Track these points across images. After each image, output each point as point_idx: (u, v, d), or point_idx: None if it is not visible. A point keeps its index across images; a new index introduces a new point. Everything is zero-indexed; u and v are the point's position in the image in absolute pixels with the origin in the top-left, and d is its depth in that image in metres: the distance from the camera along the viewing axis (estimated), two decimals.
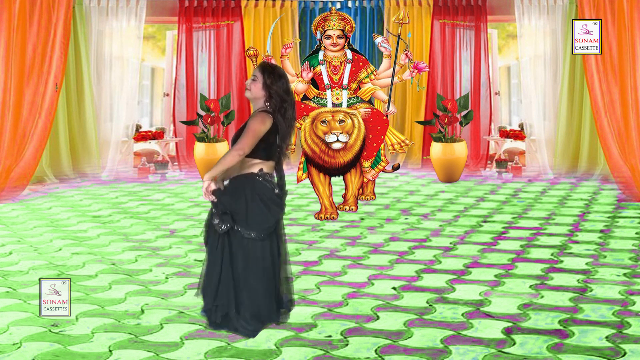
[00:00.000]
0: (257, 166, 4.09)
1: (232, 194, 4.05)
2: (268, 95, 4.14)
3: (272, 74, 4.17)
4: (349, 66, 8.00)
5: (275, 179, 4.20)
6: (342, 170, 7.69)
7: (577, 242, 6.47)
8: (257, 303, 4.07)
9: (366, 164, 7.86)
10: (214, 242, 4.09)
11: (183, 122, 10.75)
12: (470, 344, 4.05)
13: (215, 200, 3.98)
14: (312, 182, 7.78)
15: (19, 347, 4.02)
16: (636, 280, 5.23)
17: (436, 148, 10.11)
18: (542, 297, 4.88)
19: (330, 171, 7.65)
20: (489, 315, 4.52)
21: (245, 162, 4.07)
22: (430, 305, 4.72)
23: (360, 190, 8.25)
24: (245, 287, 4.05)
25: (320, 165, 7.59)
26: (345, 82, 7.93)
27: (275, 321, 4.22)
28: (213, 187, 3.96)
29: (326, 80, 7.95)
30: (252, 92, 4.16)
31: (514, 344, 4.04)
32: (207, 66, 11.36)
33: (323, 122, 7.44)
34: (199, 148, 10.21)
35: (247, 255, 4.05)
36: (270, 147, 4.12)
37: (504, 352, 3.92)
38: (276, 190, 4.13)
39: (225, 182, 4.10)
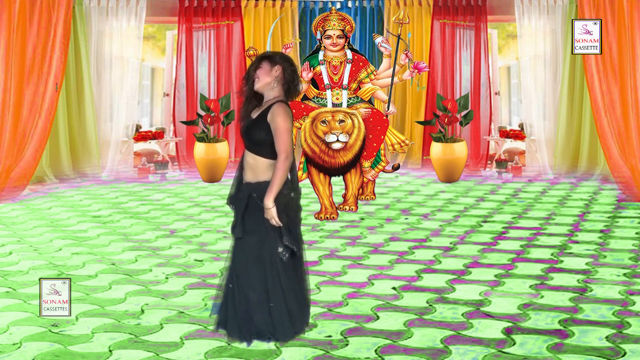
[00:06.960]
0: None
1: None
2: (281, 75, 3.89)
3: (274, 56, 3.94)
4: (349, 66, 8.00)
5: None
6: (342, 170, 7.69)
7: (577, 242, 6.47)
8: None
9: (366, 164, 7.86)
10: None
11: (183, 122, 10.74)
12: (470, 344, 4.05)
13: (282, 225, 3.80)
14: (312, 182, 7.78)
15: (19, 347, 4.02)
16: (636, 280, 5.23)
17: (436, 148, 10.11)
18: (542, 297, 4.88)
19: (330, 171, 7.65)
20: (489, 315, 4.52)
21: (269, 164, 3.85)
22: (430, 305, 4.72)
23: (360, 190, 8.25)
24: None
25: (320, 165, 7.59)
26: (345, 82, 7.93)
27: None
28: (274, 212, 3.76)
29: (326, 80, 7.95)
30: (261, 80, 3.89)
31: (514, 344, 4.04)
32: (207, 66, 11.35)
33: (323, 122, 7.44)
34: (199, 148, 10.21)
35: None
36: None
37: (504, 352, 3.92)
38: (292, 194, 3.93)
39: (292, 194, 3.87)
